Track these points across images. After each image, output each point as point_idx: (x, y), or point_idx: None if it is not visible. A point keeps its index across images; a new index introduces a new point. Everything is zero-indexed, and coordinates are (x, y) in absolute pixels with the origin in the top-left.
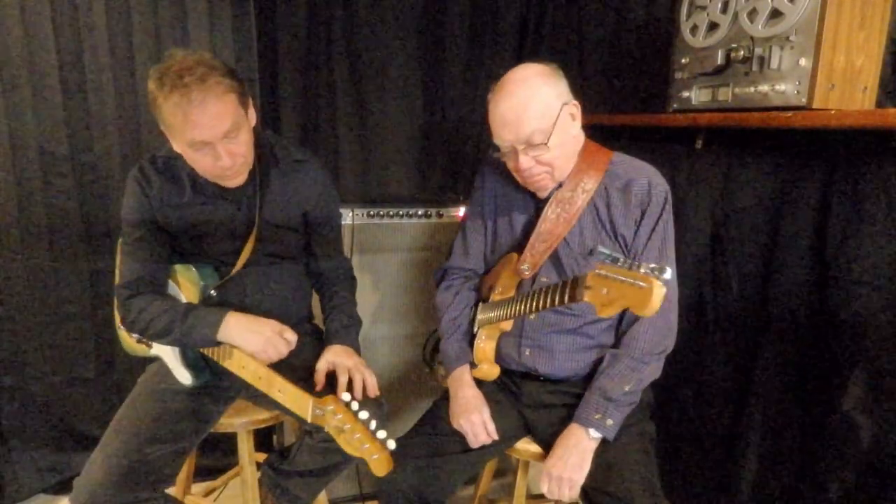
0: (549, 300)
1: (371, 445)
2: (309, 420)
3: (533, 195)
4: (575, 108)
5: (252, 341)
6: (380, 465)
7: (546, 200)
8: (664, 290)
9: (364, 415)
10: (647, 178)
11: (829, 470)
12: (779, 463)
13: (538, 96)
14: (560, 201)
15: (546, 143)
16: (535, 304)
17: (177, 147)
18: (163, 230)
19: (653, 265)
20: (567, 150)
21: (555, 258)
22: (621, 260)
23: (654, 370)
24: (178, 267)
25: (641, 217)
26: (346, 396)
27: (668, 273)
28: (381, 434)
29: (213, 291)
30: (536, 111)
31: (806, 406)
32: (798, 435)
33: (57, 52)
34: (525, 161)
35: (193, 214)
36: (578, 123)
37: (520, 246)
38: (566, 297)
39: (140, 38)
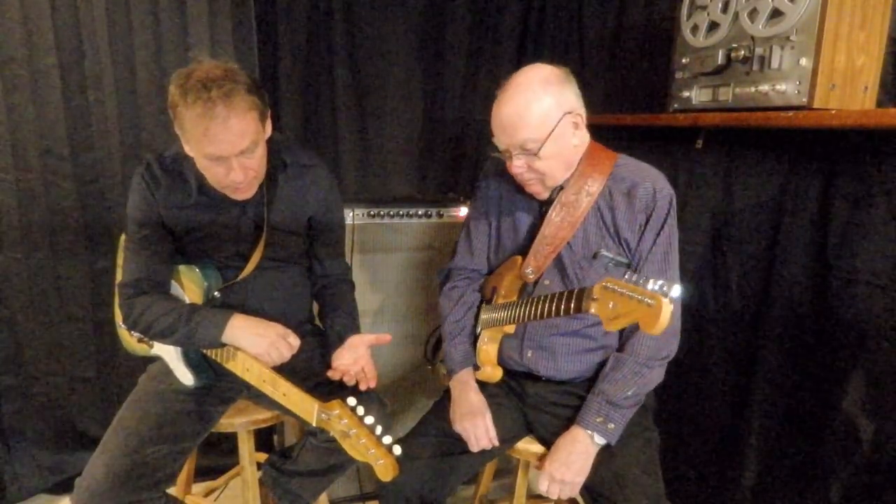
0: (554, 308)
1: (376, 450)
2: (314, 424)
3: (535, 199)
4: (579, 118)
5: (256, 344)
6: (385, 471)
7: (549, 203)
8: (671, 308)
9: (370, 420)
10: (652, 183)
11: (829, 470)
12: (779, 463)
13: (536, 104)
14: (564, 204)
15: (537, 154)
16: (539, 310)
17: (190, 153)
18: (168, 230)
19: (661, 282)
20: (563, 159)
21: (558, 262)
22: (627, 275)
23: (657, 375)
24: (181, 268)
25: (646, 222)
26: (351, 401)
27: (676, 290)
28: (387, 439)
29: (216, 293)
30: (532, 120)
31: (806, 406)
32: (798, 435)
33: (57, 52)
34: (517, 166)
35: (199, 216)
36: (582, 132)
37: (523, 248)
38: (572, 308)
39: (140, 38)
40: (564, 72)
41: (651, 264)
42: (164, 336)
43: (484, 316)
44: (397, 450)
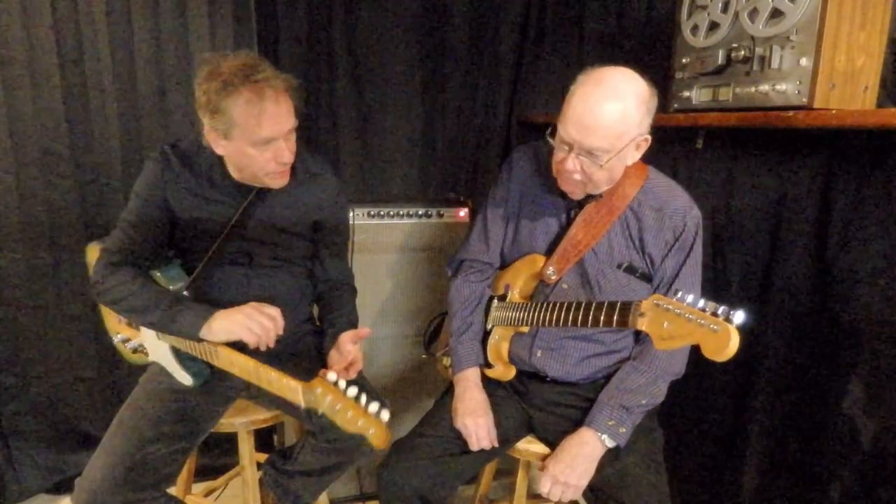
0: (592, 318)
1: (365, 420)
2: (304, 405)
3: (564, 198)
4: (645, 143)
5: (234, 322)
6: (377, 439)
7: (578, 206)
8: (738, 336)
9: (353, 391)
10: (683, 204)
11: (829, 470)
12: (779, 463)
13: (623, 118)
14: (594, 209)
15: (602, 165)
16: (572, 317)
17: (233, 147)
18: (167, 217)
19: (723, 307)
20: (614, 173)
21: (580, 266)
22: (679, 294)
23: (665, 389)
24: (157, 274)
25: (674, 242)
26: (331, 376)
27: (740, 317)
28: (373, 407)
29: (186, 291)
30: (613, 132)
31: (806, 406)
32: (798, 435)
33: (57, 52)
34: (571, 164)
35: (204, 207)
36: (640, 153)
37: (544, 248)
38: (615, 321)
39: (140, 38)
40: (653, 92)
41: (681, 286)
42: (134, 313)
43: (497, 313)
44: (385, 415)
